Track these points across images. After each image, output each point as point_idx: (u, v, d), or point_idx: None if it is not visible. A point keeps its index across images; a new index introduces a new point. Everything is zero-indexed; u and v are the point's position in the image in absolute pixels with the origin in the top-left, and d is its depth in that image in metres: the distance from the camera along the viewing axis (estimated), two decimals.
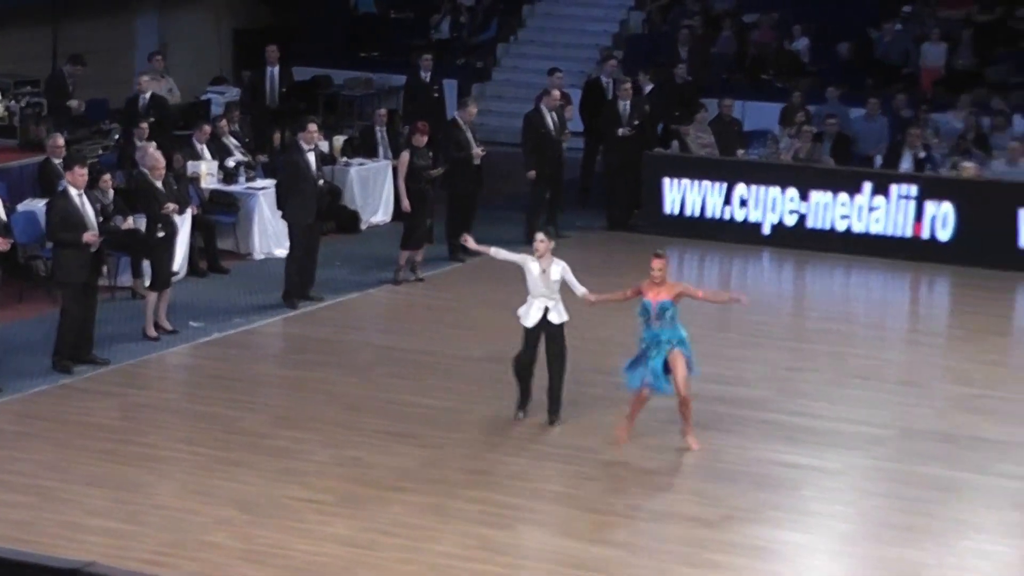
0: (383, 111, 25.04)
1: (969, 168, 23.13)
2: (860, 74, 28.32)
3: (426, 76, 25.97)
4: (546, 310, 14.76)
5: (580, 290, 14.81)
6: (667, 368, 14.14)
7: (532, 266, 14.77)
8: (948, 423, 15.54)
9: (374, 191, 23.89)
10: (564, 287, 14.87)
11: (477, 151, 21.51)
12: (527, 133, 23.07)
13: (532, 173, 22.70)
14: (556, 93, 23.20)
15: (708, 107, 25.27)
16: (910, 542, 12.51)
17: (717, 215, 23.73)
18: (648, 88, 25.09)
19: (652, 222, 23.94)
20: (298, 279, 19.16)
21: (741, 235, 23.39)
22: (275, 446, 14.30)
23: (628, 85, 24.37)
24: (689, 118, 24.92)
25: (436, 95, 25.91)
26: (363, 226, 23.48)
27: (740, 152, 24.62)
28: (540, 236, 14.85)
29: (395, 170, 21.55)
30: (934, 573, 11.96)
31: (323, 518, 12.61)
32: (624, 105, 24.08)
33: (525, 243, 22.68)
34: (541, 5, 32.83)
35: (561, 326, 14.86)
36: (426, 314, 19.29)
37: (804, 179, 23.37)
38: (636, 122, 24.04)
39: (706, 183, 23.75)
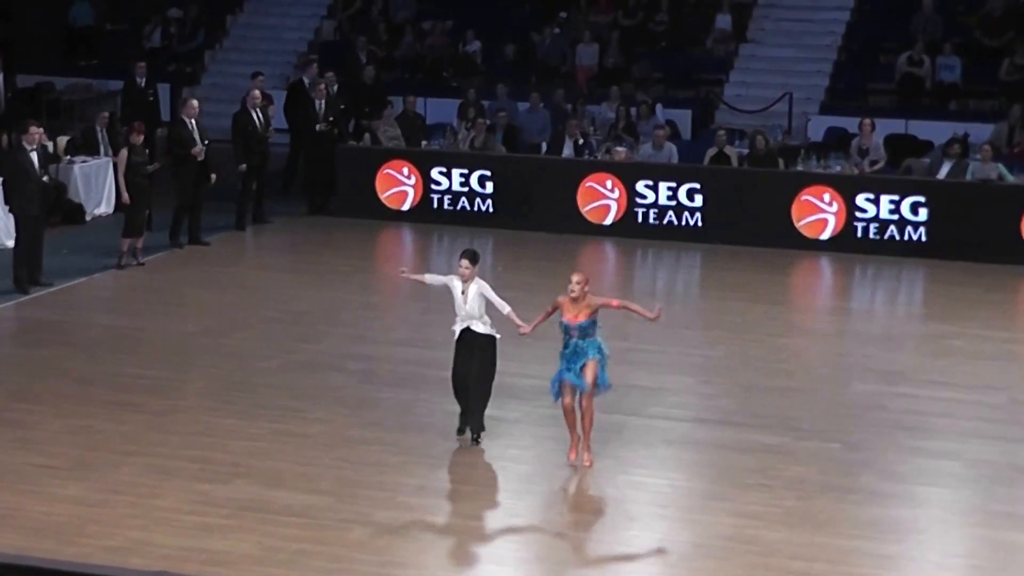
0: (105, 114, 24.66)
1: (620, 152, 23.59)
2: (525, 72, 28.65)
3: (141, 82, 25.61)
4: (468, 328, 13.34)
5: (505, 308, 13.31)
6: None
7: (454, 285, 13.36)
8: (608, 373, 15.75)
9: (96, 186, 23.40)
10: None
11: (198, 148, 21.19)
12: (236, 130, 22.83)
13: (243, 166, 22.52)
14: (256, 92, 23.03)
15: (394, 104, 25.33)
16: (580, 479, 12.69)
17: (408, 199, 23.81)
18: (335, 88, 24.98)
19: (348, 208, 23.94)
20: (27, 266, 18.69)
21: (434, 216, 23.55)
22: (10, 418, 13.88)
23: (323, 86, 24.33)
24: (378, 114, 24.91)
25: (151, 99, 25.72)
26: (88, 217, 23.01)
27: (424, 143, 24.70)
28: (465, 263, 13.27)
29: (115, 166, 21.21)
30: (596, 505, 12.16)
31: (58, 481, 12.29)
32: (320, 104, 24.04)
33: (235, 229, 22.60)
34: (243, 16, 32.56)
35: (486, 337, 13.33)
36: (147, 295, 18.94)
37: (481, 164, 23.60)
38: (331, 119, 24.05)
39: (397, 171, 23.80)
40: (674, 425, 14.10)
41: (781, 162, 23.47)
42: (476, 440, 13.35)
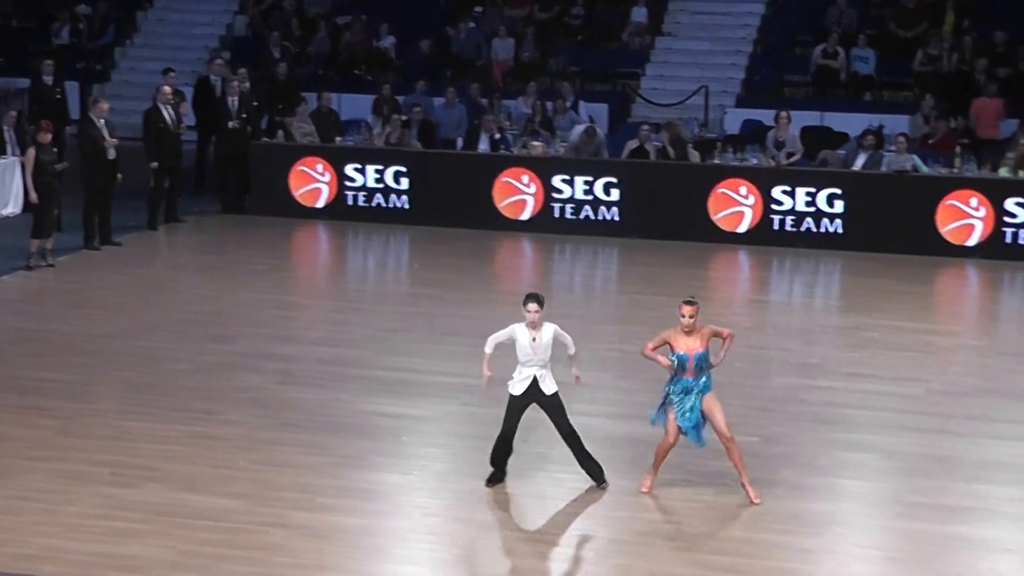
0: (12, 112, 24.28)
1: (537, 147, 23.60)
2: (440, 67, 28.60)
3: (49, 79, 25.24)
4: (535, 379, 12.32)
5: (572, 349, 12.53)
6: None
7: (520, 334, 12.30)
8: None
9: (4, 186, 23.06)
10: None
11: (111, 142, 20.99)
12: (147, 128, 22.65)
13: (154, 164, 22.35)
14: (167, 89, 22.86)
15: (308, 100, 25.22)
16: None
17: (322, 196, 23.70)
18: (247, 85, 24.82)
19: (262, 205, 23.79)
20: None
21: (350, 213, 23.48)
22: None
23: (235, 82, 24.19)
24: (291, 111, 24.78)
25: (58, 97, 25.32)
26: None
27: (338, 139, 24.59)
28: (533, 307, 12.24)
29: (23, 166, 20.91)
30: (516, 502, 12.14)
31: None
32: (232, 100, 23.88)
33: (147, 229, 22.40)
34: (153, 11, 32.29)
35: (554, 395, 12.36)
36: (57, 297, 18.74)
37: (396, 161, 23.53)
38: (244, 115, 23.90)
39: (311, 168, 23.69)
40: (592, 421, 14.06)
41: (697, 155, 23.58)
42: (603, 484, 12.43)
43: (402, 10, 30.18)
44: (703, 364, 11.97)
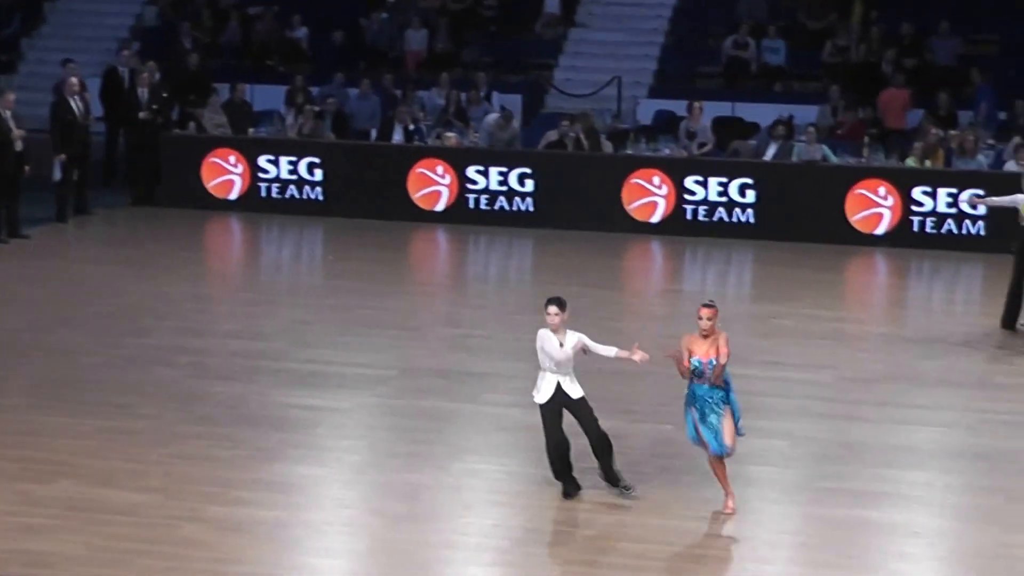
0: None
1: (451, 138, 23.63)
2: (353, 58, 28.51)
3: None
4: (559, 384, 11.89)
5: (611, 352, 11.91)
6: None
7: (546, 338, 11.86)
8: (441, 361, 15.86)
9: None
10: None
11: (17, 134, 20.78)
12: (54, 120, 22.45)
13: (62, 156, 22.16)
14: (74, 80, 22.69)
15: (220, 91, 25.10)
16: (413, 467, 12.67)
17: (235, 188, 23.62)
18: (157, 76, 24.65)
19: (174, 198, 23.67)
20: None
21: (263, 205, 23.39)
22: None
23: (146, 73, 24.04)
24: (203, 102, 24.65)
25: None
26: None
27: (251, 130, 24.50)
28: (553, 309, 11.79)
29: None
30: (433, 493, 12.16)
31: None
32: (142, 91, 23.75)
33: (56, 221, 22.21)
34: (61, 1, 31.88)
35: (580, 400, 11.91)
36: None
37: (310, 152, 23.48)
38: (154, 107, 23.76)
39: (223, 159, 23.59)
40: (508, 411, 14.14)
41: (610, 145, 23.70)
42: (628, 488, 11.98)
43: (314, 1, 30.05)
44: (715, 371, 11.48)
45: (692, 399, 11.67)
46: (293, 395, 14.54)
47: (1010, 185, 18.35)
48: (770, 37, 27.60)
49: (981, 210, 21.24)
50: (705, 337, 11.53)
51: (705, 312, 11.53)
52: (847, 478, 12.63)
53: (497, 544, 11.22)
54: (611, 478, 12.02)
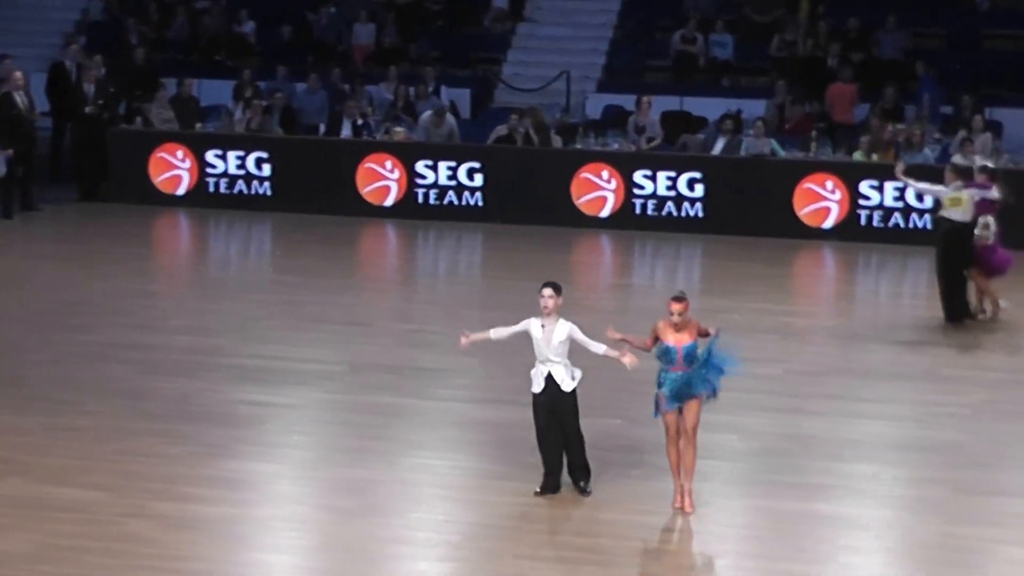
0: None
1: (400, 133, 23.59)
2: (301, 53, 28.42)
3: None
4: (550, 375, 11.79)
5: (600, 349, 11.69)
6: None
7: (533, 326, 11.73)
8: (391, 357, 15.83)
9: None
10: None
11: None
12: None
13: (8, 151, 22.01)
14: (18, 75, 22.53)
15: (167, 86, 24.98)
16: (363, 463, 12.64)
17: (183, 183, 23.52)
18: (104, 70, 24.50)
19: (121, 193, 23.54)
20: None
21: (211, 200, 23.30)
22: None
23: (93, 68, 23.90)
24: (150, 97, 24.52)
25: None
26: None
27: (199, 125, 24.38)
28: (548, 291, 11.59)
29: None
30: (382, 488, 12.13)
31: None
32: (88, 86, 23.60)
33: (2, 218, 22.03)
34: None
35: (571, 395, 11.80)
36: None
37: (258, 147, 23.40)
38: (101, 101, 23.62)
39: (171, 154, 23.48)
40: (458, 406, 14.15)
41: (559, 140, 23.71)
42: (586, 489, 11.94)
43: None
44: (692, 357, 11.43)
45: (664, 383, 11.56)
46: (242, 391, 14.48)
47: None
48: (718, 32, 27.67)
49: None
50: (676, 330, 11.48)
51: (676, 307, 11.42)
52: (796, 471, 12.68)
53: (447, 539, 11.20)
54: (575, 473, 11.94)
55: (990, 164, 18.34)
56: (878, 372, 15.78)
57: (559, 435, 11.86)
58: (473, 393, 14.66)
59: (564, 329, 11.68)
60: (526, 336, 11.86)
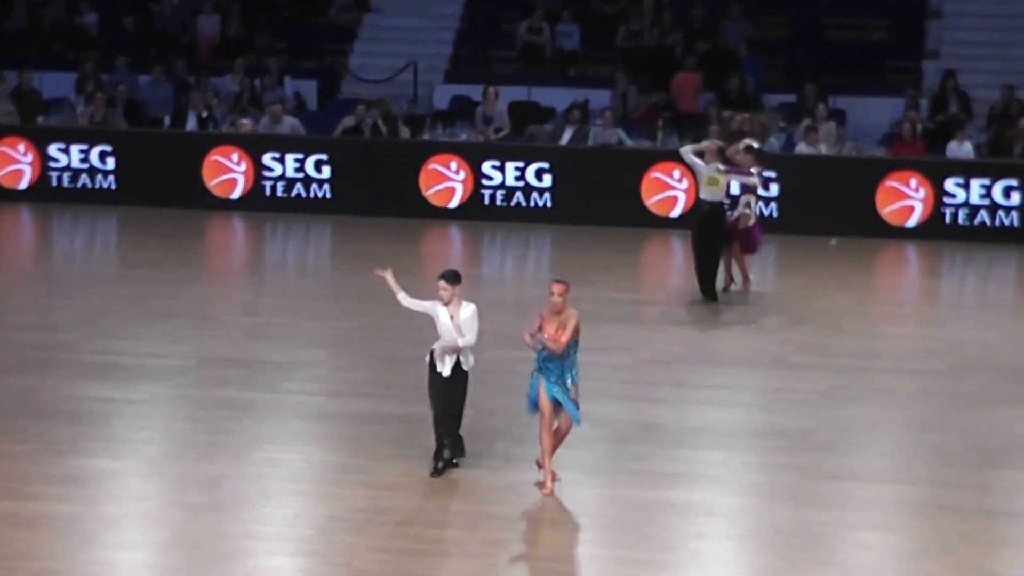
0: None
1: (246, 124, 23.38)
2: (145, 44, 28.01)
3: None
4: (458, 359, 12.03)
5: (463, 341, 11.93)
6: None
7: (438, 312, 11.99)
8: (240, 350, 15.69)
9: None
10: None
11: None
12: None
13: None
14: None
15: (7, 78, 24.53)
16: (212, 458, 12.52)
17: (24, 177, 23.12)
18: None
19: None
20: None
21: (55, 195, 22.95)
22: None
23: None
24: None
25: None
26: None
27: (40, 119, 23.97)
28: (443, 284, 11.89)
29: None
30: (233, 483, 12.02)
31: None
32: None
33: None
34: None
35: (467, 374, 12.12)
36: None
37: (102, 140, 23.06)
38: None
39: (12, 148, 23.07)
40: (308, 399, 14.07)
41: (407, 131, 23.67)
42: (455, 463, 12.24)
43: None
44: (567, 352, 11.65)
45: (542, 368, 11.75)
46: (88, 387, 14.28)
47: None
48: (564, 21, 27.77)
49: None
50: (557, 314, 11.63)
51: (557, 288, 11.62)
52: (647, 459, 12.79)
53: (300, 533, 11.13)
54: (450, 440, 12.10)
55: (755, 144, 18.60)
56: (726, 359, 15.97)
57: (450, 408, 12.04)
58: (322, 386, 14.59)
59: (468, 310, 11.94)
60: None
